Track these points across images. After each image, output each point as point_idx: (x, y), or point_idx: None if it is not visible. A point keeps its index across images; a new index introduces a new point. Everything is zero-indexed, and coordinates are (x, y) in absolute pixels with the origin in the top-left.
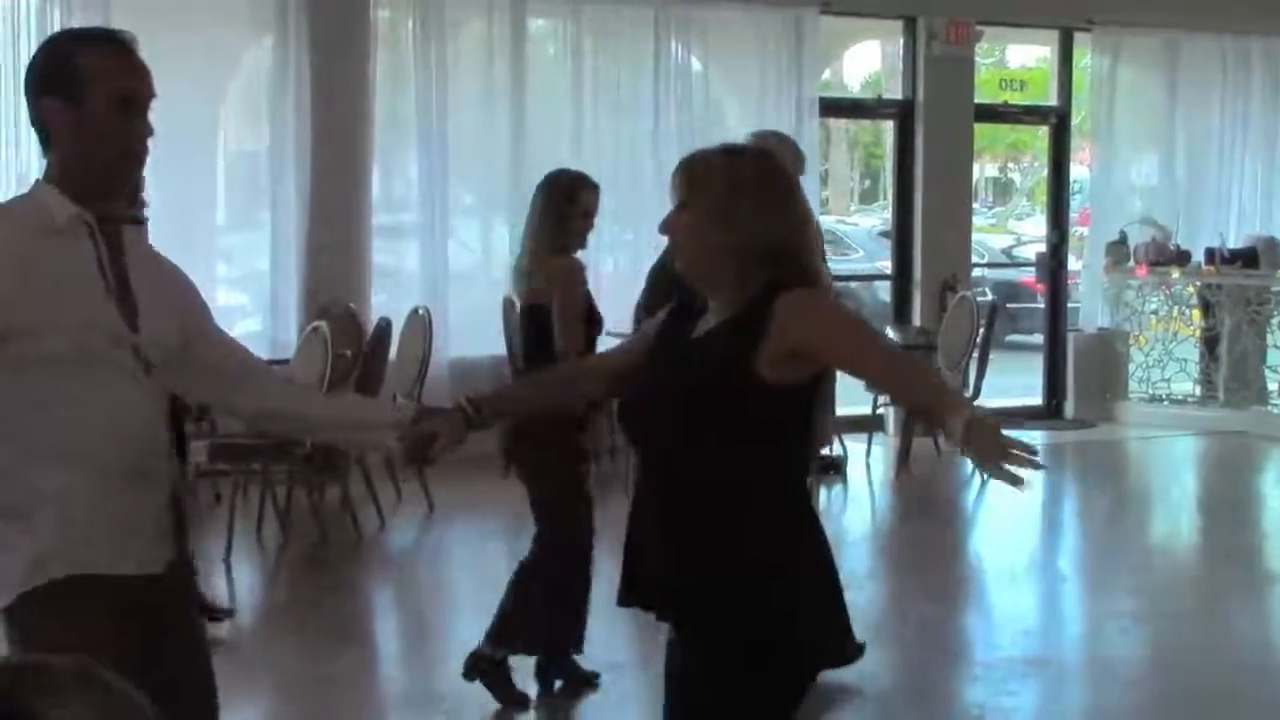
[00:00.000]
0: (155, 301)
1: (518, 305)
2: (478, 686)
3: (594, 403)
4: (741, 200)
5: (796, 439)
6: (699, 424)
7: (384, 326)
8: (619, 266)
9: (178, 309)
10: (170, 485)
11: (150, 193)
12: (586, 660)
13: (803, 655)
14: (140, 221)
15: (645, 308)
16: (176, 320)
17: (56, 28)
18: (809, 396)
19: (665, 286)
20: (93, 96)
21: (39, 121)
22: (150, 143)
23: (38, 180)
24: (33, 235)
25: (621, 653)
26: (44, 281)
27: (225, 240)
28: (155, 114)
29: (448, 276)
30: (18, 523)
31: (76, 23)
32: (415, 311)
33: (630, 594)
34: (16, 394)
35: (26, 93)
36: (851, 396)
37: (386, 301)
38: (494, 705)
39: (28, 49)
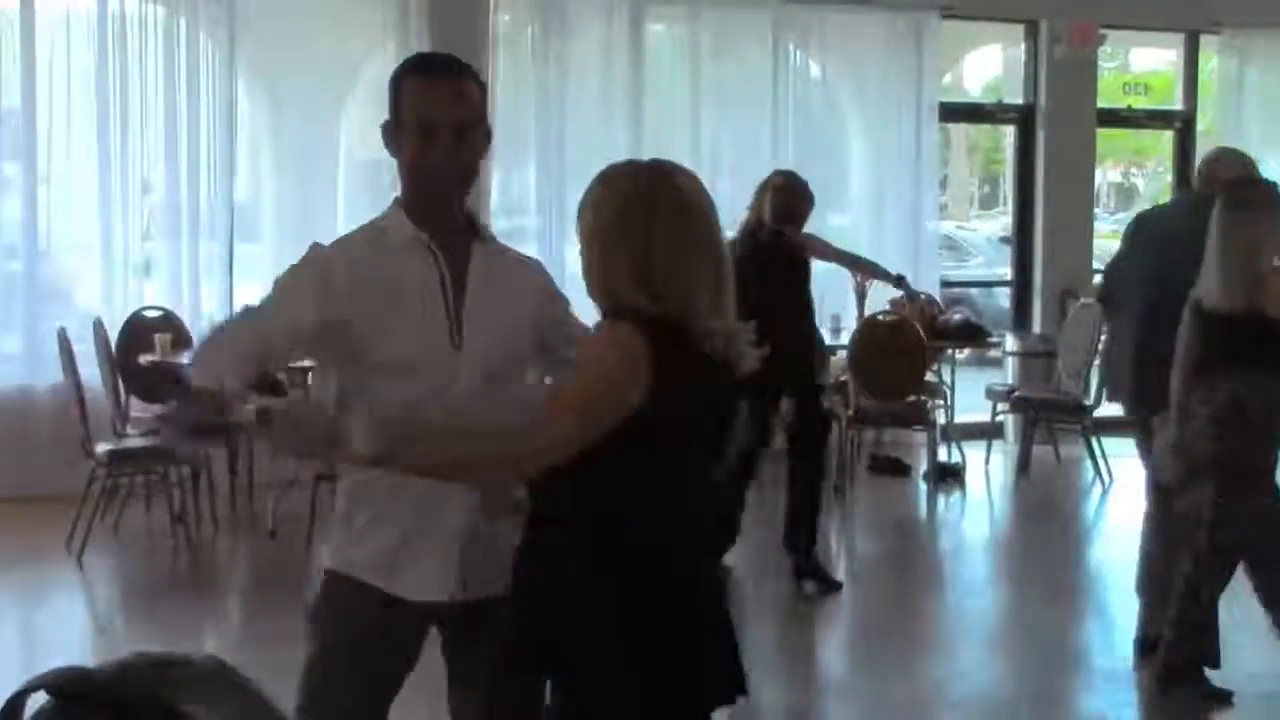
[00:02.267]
0: (488, 319)
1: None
2: None
3: None
4: (627, 223)
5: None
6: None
7: None
8: None
9: (515, 326)
10: (489, 513)
11: (275, 196)
12: None
13: None
14: (482, 237)
15: None
16: (507, 336)
17: (183, 37)
18: (625, 452)
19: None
20: (405, 124)
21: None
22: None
23: (395, 199)
24: (370, 255)
25: None
26: (378, 296)
27: None
28: (278, 121)
29: (565, 281)
30: (347, 505)
31: (203, 32)
32: None
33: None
34: (356, 392)
35: None
36: (970, 404)
37: None
38: None
39: (155, 58)
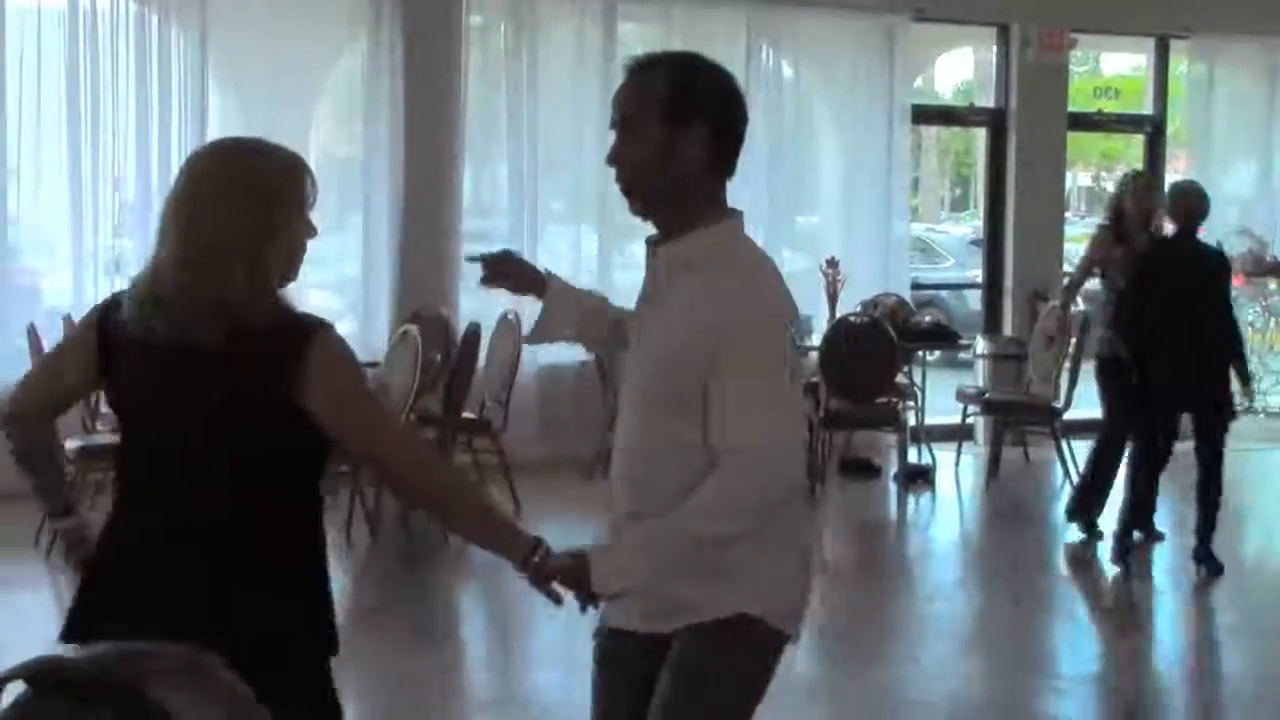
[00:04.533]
0: (651, 330)
1: None
2: (559, 689)
3: None
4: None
5: None
6: None
7: (473, 331)
8: None
9: (671, 349)
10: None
11: None
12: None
13: None
14: (674, 240)
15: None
16: (662, 355)
17: (155, 33)
18: None
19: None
20: None
21: None
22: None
23: None
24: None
25: None
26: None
27: (316, 243)
28: (249, 118)
29: None
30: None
31: (174, 28)
32: (504, 316)
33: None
34: None
35: None
36: (941, 406)
37: (475, 306)
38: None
39: (126, 54)
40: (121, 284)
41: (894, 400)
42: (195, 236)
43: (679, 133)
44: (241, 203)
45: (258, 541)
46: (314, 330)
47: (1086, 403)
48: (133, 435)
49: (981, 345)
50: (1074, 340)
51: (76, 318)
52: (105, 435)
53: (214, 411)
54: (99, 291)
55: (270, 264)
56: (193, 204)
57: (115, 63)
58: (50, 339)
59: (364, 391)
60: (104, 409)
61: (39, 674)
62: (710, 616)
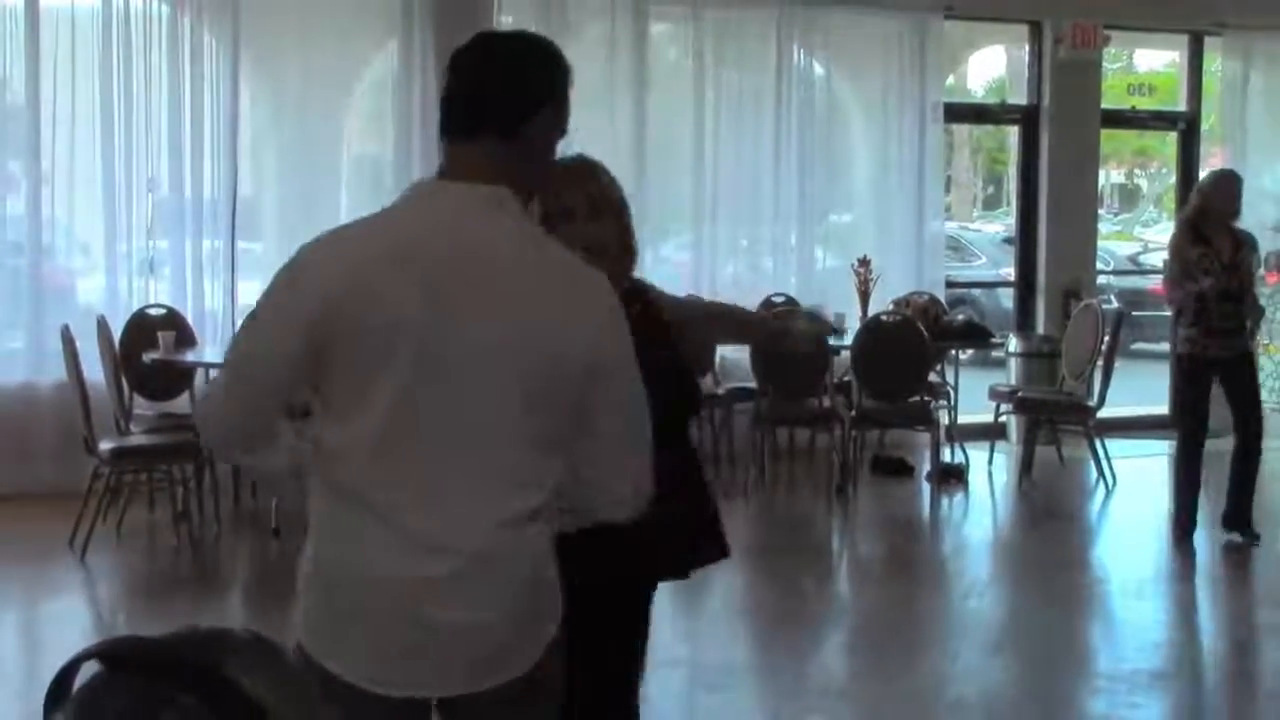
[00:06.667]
0: None
1: None
2: None
3: None
4: None
5: None
6: None
7: None
8: (737, 272)
9: None
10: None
11: (278, 193)
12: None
13: None
14: None
15: None
16: None
17: (187, 34)
18: None
19: None
20: None
21: None
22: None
23: None
24: None
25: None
26: None
27: None
28: (281, 121)
29: None
30: None
31: (206, 29)
32: None
33: None
34: None
35: None
36: (974, 405)
37: None
38: None
39: (159, 55)
40: (155, 285)
41: (927, 399)
42: None
43: None
44: None
45: None
46: None
47: (1122, 401)
48: None
49: (1014, 343)
50: (1108, 337)
51: (111, 319)
52: (138, 437)
53: None
54: (133, 292)
55: None
56: None
57: (148, 65)
58: (85, 340)
59: None
60: (136, 410)
61: (115, 653)
62: None
